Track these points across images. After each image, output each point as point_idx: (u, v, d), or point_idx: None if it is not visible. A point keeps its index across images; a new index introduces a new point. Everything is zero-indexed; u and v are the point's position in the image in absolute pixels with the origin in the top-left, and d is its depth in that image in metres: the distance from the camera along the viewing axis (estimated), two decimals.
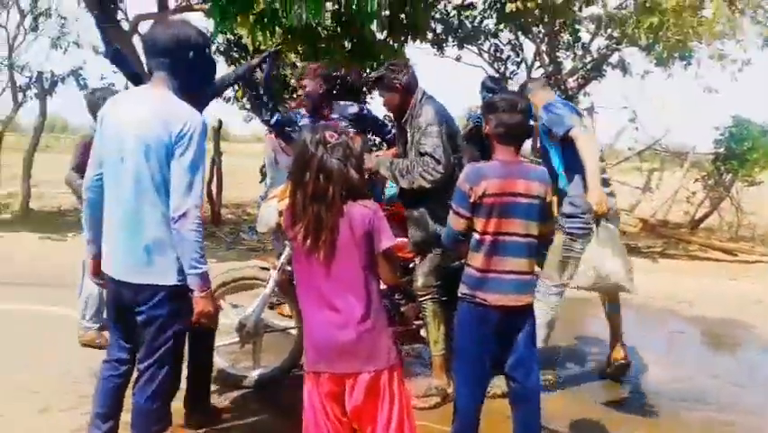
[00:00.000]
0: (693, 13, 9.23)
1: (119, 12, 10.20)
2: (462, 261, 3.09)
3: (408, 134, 4.05)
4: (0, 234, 9.43)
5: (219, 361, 4.09)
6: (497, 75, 12.38)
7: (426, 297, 4.03)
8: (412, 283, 4.09)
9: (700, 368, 5.07)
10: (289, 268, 4.07)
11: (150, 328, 2.66)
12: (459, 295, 3.02)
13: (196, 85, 2.79)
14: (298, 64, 12.11)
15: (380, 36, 8.90)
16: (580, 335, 5.74)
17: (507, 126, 2.94)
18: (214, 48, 11.77)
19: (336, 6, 8.74)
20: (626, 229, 10.07)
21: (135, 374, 2.79)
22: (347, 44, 9.20)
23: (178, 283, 2.62)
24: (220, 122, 11.85)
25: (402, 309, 4.26)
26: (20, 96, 13.05)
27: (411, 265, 4.20)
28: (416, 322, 4.29)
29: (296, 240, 2.48)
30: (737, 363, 5.58)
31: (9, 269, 7.41)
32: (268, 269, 4.11)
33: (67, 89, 13.96)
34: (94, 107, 4.60)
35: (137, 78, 7.13)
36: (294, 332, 4.20)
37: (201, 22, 11.87)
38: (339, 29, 9.14)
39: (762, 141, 10.86)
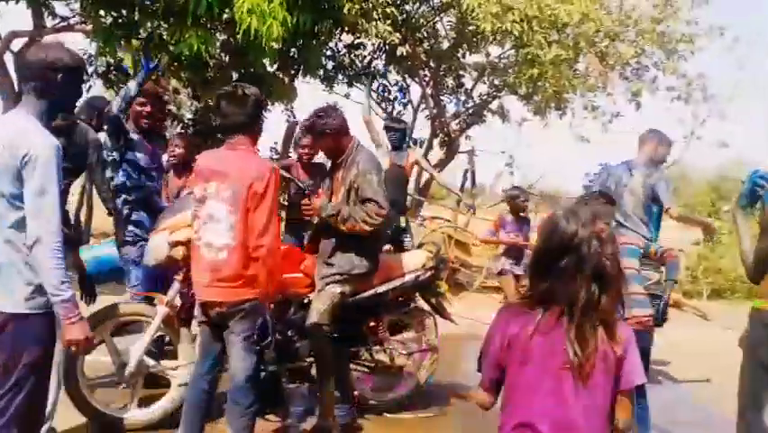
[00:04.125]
0: (569, 67, 9.84)
1: None
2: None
3: (340, 175, 4.01)
4: None
5: (95, 401, 3.82)
6: (386, 114, 12.62)
7: (319, 334, 3.93)
8: (305, 319, 3.99)
9: None
10: (177, 303, 3.89)
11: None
12: None
13: (65, 107, 2.78)
14: (181, 91, 11.81)
15: (271, 69, 8.80)
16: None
17: None
18: (92, 69, 11.22)
19: (226, 37, 8.59)
20: None
21: None
22: (235, 75, 9.02)
23: (25, 311, 2.50)
24: None
25: (296, 345, 4.14)
26: None
27: (306, 300, 4.12)
28: (308, 359, 4.18)
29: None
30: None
31: None
32: (154, 304, 3.89)
33: None
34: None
35: None
36: (177, 372, 3.96)
37: (83, 43, 11.32)
38: (228, 59, 8.97)
39: None
